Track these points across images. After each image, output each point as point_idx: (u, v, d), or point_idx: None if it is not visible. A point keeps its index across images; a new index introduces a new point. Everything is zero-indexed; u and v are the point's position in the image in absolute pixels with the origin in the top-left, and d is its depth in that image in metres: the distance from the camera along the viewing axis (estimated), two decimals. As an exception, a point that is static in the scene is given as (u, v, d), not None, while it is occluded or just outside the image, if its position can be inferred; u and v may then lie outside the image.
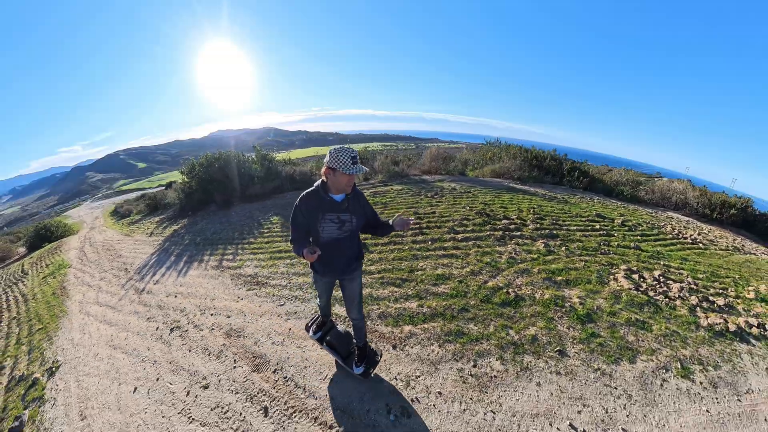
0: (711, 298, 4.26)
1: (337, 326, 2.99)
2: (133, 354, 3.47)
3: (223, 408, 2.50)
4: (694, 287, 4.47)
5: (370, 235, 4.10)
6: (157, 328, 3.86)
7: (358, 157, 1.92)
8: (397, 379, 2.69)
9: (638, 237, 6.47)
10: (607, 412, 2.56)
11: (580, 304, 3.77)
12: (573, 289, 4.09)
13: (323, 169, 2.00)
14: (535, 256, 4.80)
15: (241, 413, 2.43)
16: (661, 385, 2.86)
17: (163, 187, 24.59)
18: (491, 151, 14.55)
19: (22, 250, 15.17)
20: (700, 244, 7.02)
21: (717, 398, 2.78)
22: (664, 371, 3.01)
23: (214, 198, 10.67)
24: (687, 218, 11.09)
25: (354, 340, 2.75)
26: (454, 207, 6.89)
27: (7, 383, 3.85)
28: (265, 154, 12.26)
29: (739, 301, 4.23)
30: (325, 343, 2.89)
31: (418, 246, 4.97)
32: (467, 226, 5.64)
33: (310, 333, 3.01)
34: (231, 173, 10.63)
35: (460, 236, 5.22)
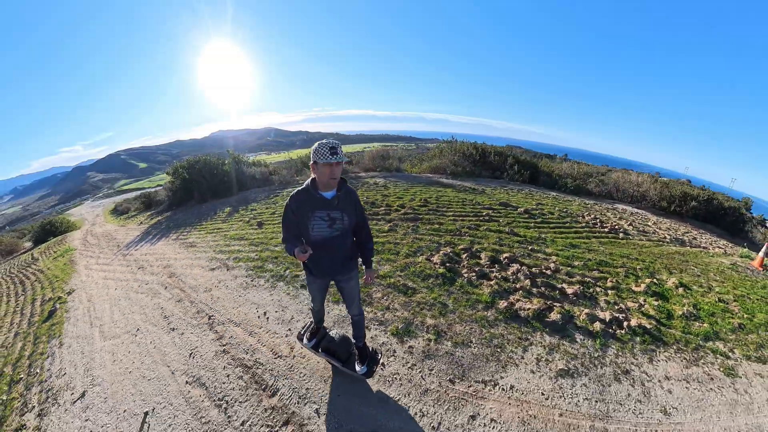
0: (560, 285, 3.93)
1: (330, 331, 3.05)
2: (116, 280, 6.37)
3: (151, 288, 5.42)
4: (549, 272, 4.25)
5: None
6: (131, 269, 6.74)
7: (338, 148, 1.99)
8: (216, 280, 5.15)
9: (531, 224, 6.74)
10: (285, 313, 3.85)
11: (360, 267, 4.70)
12: (371, 258, 5.11)
13: (310, 166, 2.12)
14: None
15: (157, 289, 5.33)
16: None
17: (161, 187, 27.47)
18: (439, 148, 16.19)
19: (28, 244, 17.00)
20: (621, 234, 6.88)
21: (410, 367, 2.78)
22: (375, 323, 3.19)
23: (193, 195, 13.30)
24: (638, 210, 11.09)
25: (353, 341, 2.80)
26: (356, 199, 9.42)
27: (41, 303, 6.68)
28: (236, 157, 14.93)
29: (611, 292, 3.89)
30: (321, 350, 2.90)
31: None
32: (348, 211, 8.21)
33: (304, 341, 3.00)
34: (206, 174, 13.21)
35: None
